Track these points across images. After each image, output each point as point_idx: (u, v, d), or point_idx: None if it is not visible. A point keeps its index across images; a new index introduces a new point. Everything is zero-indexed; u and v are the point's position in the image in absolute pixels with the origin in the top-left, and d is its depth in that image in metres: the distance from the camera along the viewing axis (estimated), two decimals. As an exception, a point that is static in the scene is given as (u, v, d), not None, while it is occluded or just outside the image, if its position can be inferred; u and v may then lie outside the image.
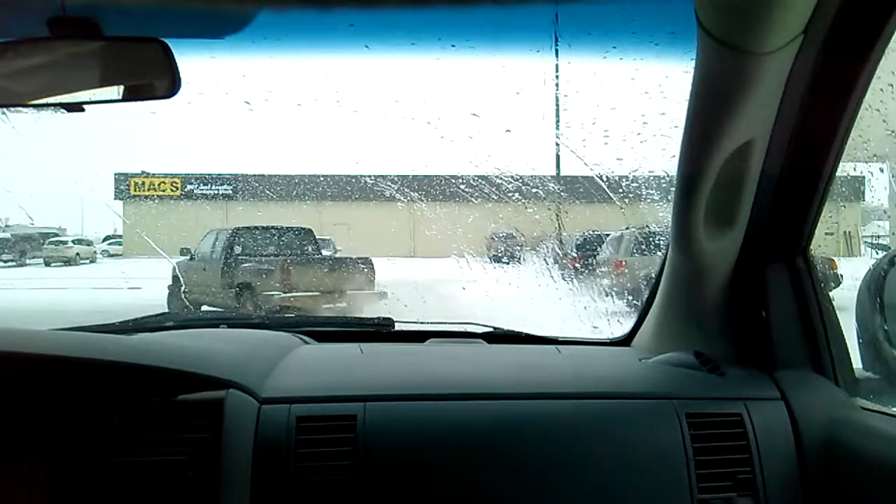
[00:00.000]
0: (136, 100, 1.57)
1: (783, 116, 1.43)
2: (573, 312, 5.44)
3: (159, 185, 23.41)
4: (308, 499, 1.37)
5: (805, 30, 1.27)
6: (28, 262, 20.98)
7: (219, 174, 23.10)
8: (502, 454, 1.44)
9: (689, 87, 1.43)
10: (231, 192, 22.87)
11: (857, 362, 1.71)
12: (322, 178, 20.50)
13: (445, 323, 2.22)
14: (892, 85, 1.87)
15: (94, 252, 23.27)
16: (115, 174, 22.58)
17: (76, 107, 1.51)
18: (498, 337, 2.11)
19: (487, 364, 1.77)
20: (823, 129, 1.45)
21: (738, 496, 1.45)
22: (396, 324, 2.15)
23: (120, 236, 24.06)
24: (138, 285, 13.33)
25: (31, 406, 1.33)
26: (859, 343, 1.76)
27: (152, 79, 1.52)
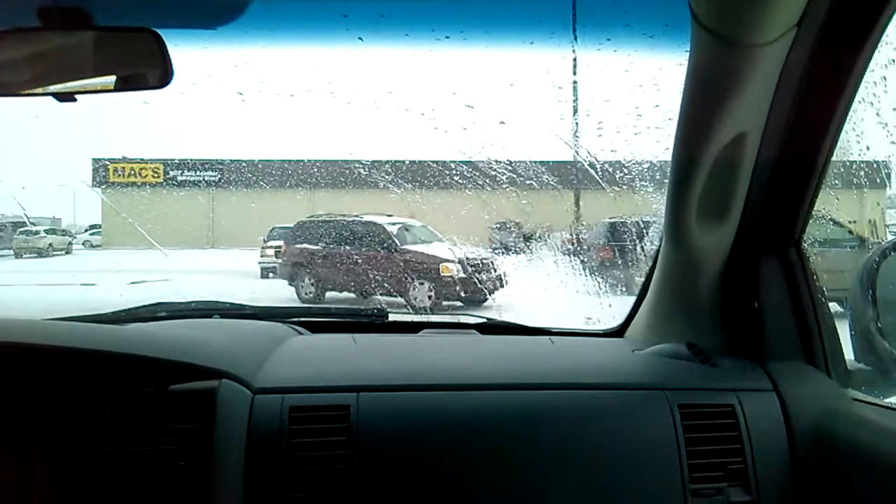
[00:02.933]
0: (128, 90, 1.57)
1: (776, 109, 1.43)
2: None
3: (140, 171, 22.29)
4: (301, 489, 1.37)
5: (799, 22, 1.27)
6: (-3, 253, 19.89)
7: (203, 159, 22.04)
8: (495, 444, 1.44)
9: (682, 80, 1.43)
10: (217, 178, 21.74)
11: (848, 353, 1.72)
12: (315, 165, 19.60)
13: (439, 314, 2.22)
14: (885, 78, 1.87)
15: (70, 242, 22.23)
16: (93, 160, 21.36)
17: (68, 97, 1.50)
18: (491, 328, 2.11)
19: (481, 355, 1.77)
20: (817, 122, 1.46)
21: (729, 486, 1.46)
22: (390, 315, 2.15)
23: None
24: (93, 281, 12.20)
25: (24, 395, 1.33)
26: (851, 335, 1.76)
27: (145, 69, 1.51)
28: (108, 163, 21.92)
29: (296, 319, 2.06)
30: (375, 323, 2.15)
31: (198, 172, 22.19)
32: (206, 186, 21.39)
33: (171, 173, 22.19)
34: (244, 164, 20.25)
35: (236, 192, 19.40)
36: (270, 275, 13.66)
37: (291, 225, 14.98)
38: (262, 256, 14.40)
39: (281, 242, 13.87)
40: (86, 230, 24.78)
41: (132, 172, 22.16)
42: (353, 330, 2.01)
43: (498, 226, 12.83)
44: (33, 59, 1.47)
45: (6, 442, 1.30)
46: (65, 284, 12.20)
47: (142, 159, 21.93)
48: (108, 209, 20.30)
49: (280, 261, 12.25)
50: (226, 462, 1.35)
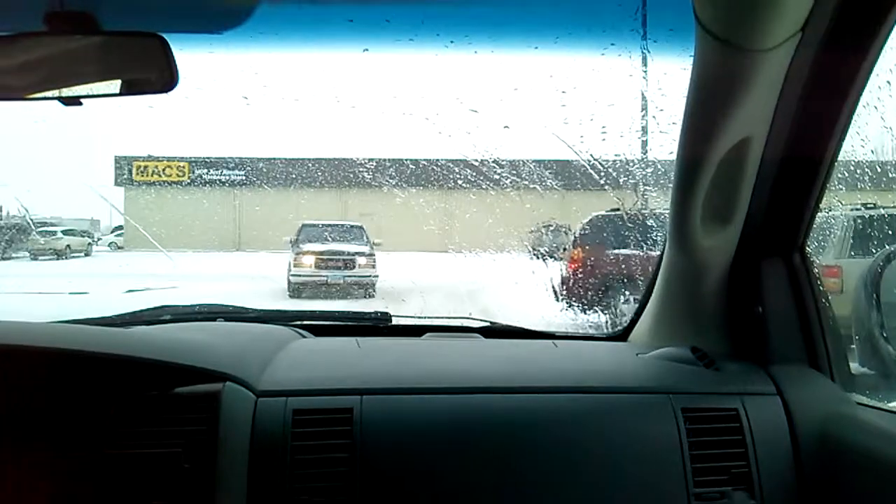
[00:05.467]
0: (133, 94, 1.57)
1: (780, 114, 1.43)
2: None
3: (164, 169, 21.35)
4: (304, 492, 1.37)
5: (803, 27, 1.27)
6: (15, 255, 18.68)
7: (230, 157, 20.92)
8: (498, 448, 1.44)
9: (687, 85, 1.43)
10: (244, 177, 20.73)
11: (852, 358, 1.72)
12: (346, 163, 18.23)
13: (442, 317, 2.22)
14: (889, 83, 1.87)
15: (89, 244, 21.49)
16: (116, 157, 20.56)
17: (74, 101, 1.51)
18: (495, 331, 2.11)
19: (484, 358, 1.77)
20: (821, 127, 1.46)
21: (733, 490, 1.45)
22: (393, 318, 2.15)
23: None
24: (91, 288, 10.73)
25: (28, 399, 1.34)
26: (855, 339, 1.76)
27: (150, 73, 1.52)
28: (131, 161, 21.12)
29: (299, 323, 2.06)
30: (379, 326, 2.15)
31: (224, 171, 21.32)
32: (232, 186, 20.67)
33: (197, 172, 21.35)
34: (274, 162, 19.29)
35: (264, 191, 18.57)
36: (303, 292, 10.83)
37: (324, 223, 12.45)
38: (295, 266, 11.06)
39: (319, 246, 11.29)
40: (112, 231, 24.29)
41: (156, 171, 21.41)
42: (356, 333, 2.01)
43: (547, 228, 12.09)
44: (39, 63, 1.47)
45: (10, 445, 1.30)
46: (53, 293, 10.73)
47: (167, 157, 21.20)
48: (130, 210, 19.86)
49: (564, 275, 8.07)
50: (229, 465, 1.35)
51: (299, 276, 10.85)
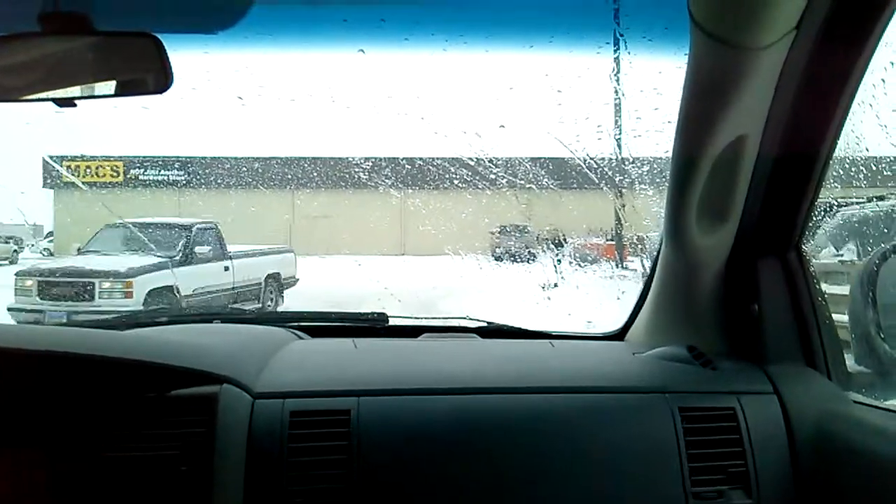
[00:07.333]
0: (128, 95, 1.57)
1: (776, 112, 1.43)
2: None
3: (97, 169, 19.90)
4: (301, 494, 1.37)
5: (798, 25, 1.27)
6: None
7: (169, 157, 19.79)
8: (495, 448, 1.44)
9: (682, 83, 1.43)
10: (185, 178, 19.63)
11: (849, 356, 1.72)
12: (296, 162, 17.95)
13: (439, 318, 2.22)
14: (884, 80, 1.87)
15: (14, 251, 20.28)
16: (44, 158, 18.51)
17: (68, 102, 1.50)
18: (491, 331, 2.11)
19: (481, 358, 1.77)
20: (816, 125, 1.46)
21: (730, 489, 1.45)
22: (390, 319, 2.15)
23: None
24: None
25: (26, 401, 1.33)
26: (852, 337, 1.76)
27: (145, 74, 1.52)
28: (60, 161, 19.73)
29: (296, 324, 2.05)
30: (375, 327, 2.14)
31: (162, 171, 20.23)
32: (172, 187, 19.62)
33: (133, 172, 20.09)
34: (214, 162, 18.71)
35: (206, 192, 17.88)
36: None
37: (136, 221, 9.57)
38: (16, 293, 7.98)
39: (49, 263, 8.46)
40: (45, 237, 23.20)
41: (88, 171, 20.06)
42: (353, 334, 2.01)
43: (504, 230, 12.04)
44: (33, 64, 1.47)
45: (7, 447, 1.30)
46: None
47: (100, 157, 19.83)
48: (59, 214, 18.93)
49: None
50: (226, 467, 1.35)
51: (15, 308, 7.83)
